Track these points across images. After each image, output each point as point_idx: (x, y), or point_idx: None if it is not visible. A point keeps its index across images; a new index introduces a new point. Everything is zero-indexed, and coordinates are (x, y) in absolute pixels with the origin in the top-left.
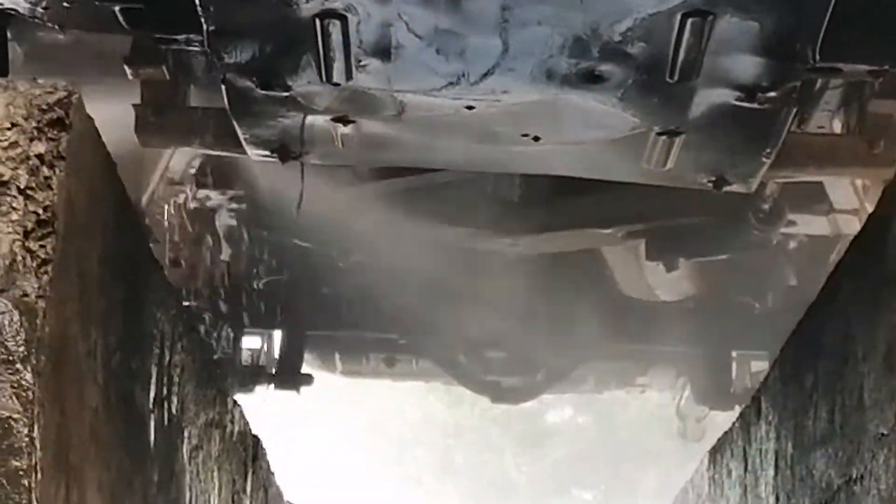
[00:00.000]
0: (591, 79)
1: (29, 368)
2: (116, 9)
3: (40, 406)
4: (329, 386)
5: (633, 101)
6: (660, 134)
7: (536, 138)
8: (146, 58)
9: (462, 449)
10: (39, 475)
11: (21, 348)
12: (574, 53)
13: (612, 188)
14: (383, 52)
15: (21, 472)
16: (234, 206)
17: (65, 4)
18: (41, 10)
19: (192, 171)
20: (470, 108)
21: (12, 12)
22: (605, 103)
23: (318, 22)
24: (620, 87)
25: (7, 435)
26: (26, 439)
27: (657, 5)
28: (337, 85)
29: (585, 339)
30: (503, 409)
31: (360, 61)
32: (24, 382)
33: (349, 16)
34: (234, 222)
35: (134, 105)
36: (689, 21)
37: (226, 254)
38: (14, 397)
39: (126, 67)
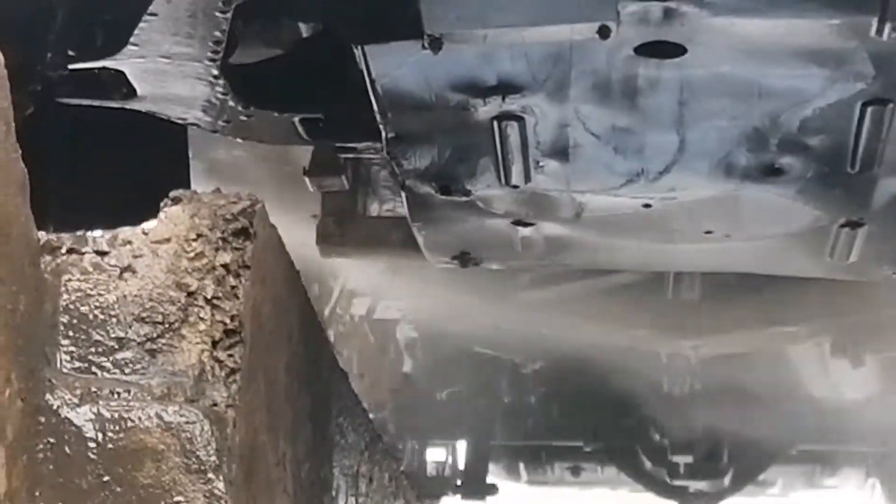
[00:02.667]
0: (770, 172)
1: (221, 478)
2: (296, 120)
3: None
4: (514, 496)
5: (813, 194)
6: (842, 226)
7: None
8: (326, 168)
9: None
10: None
11: (212, 457)
12: (752, 147)
13: (795, 284)
14: (561, 152)
15: None
16: (414, 315)
17: (243, 118)
18: (222, 124)
19: (373, 281)
20: (647, 206)
21: (194, 127)
22: (786, 196)
23: (495, 125)
24: (800, 179)
25: None
26: None
27: (836, 95)
28: (516, 187)
29: (771, 440)
30: None
31: (538, 162)
32: (216, 492)
33: (526, 117)
34: (414, 333)
35: (315, 216)
36: (869, 109)
37: (407, 365)
38: None
39: (306, 179)
